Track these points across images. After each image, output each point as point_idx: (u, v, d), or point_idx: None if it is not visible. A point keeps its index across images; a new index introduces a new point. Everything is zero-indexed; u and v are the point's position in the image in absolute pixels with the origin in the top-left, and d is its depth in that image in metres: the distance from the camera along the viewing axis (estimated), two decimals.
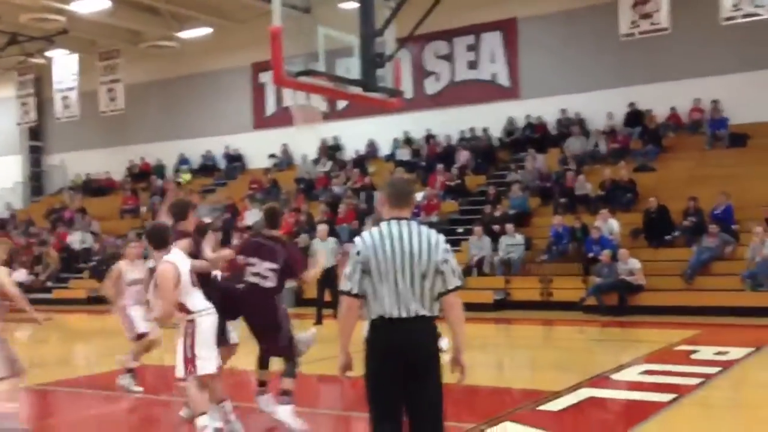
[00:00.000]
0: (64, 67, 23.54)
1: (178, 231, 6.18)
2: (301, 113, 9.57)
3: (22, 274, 21.04)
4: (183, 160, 25.09)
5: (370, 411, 4.02)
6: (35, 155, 28.30)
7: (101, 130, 25.26)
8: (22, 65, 24.89)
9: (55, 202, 25.78)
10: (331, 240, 14.01)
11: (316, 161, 22.26)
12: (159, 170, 25.15)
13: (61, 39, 22.55)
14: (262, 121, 23.99)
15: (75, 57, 23.37)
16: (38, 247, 22.47)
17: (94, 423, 7.53)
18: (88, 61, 23.13)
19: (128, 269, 8.50)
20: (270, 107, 23.88)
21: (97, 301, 19.16)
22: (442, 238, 4.10)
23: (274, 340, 6.40)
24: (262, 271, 6.35)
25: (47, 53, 23.69)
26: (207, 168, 24.69)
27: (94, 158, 26.17)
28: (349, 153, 22.13)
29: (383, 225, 4.05)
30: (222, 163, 24.64)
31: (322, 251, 10.61)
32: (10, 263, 13.23)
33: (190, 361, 5.68)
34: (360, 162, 21.32)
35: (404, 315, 3.89)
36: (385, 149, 21.83)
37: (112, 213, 23.86)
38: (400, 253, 3.90)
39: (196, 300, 5.78)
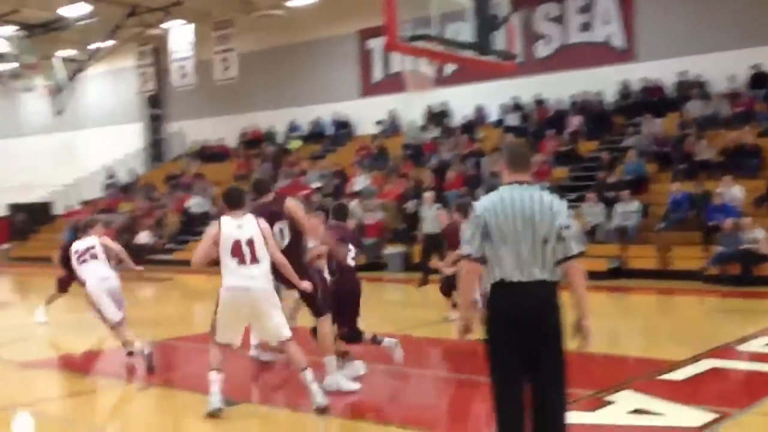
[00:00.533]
0: (181, 37, 24.34)
1: (261, 205, 6.37)
2: (412, 79, 9.57)
3: (145, 236, 22.13)
4: (293, 127, 25.58)
5: (490, 374, 4.00)
6: (155, 123, 29.45)
7: (215, 98, 26.01)
8: (141, 36, 25.85)
9: (174, 168, 26.83)
10: (437, 206, 14.02)
11: (423, 127, 22.23)
12: (270, 137, 25.74)
13: (177, 10, 23.31)
14: (369, 88, 24.13)
15: (191, 27, 24.10)
16: (159, 210, 23.50)
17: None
18: (202, 32, 23.80)
19: None
20: (377, 74, 23.97)
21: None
22: (564, 203, 4.04)
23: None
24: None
25: (164, 24, 24.53)
26: (316, 135, 25.08)
27: (209, 126, 27.03)
28: (456, 119, 21.97)
29: (503, 189, 4.01)
30: (330, 130, 24.97)
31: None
32: (133, 226, 14.00)
33: None
34: (468, 128, 21.14)
35: (525, 279, 3.85)
36: (493, 115, 21.56)
37: (227, 178, 24.61)
38: (521, 216, 3.87)
39: None
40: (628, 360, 8.32)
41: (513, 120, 20.62)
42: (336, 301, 6.77)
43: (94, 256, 8.02)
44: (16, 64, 26.00)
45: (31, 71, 26.51)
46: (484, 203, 3.98)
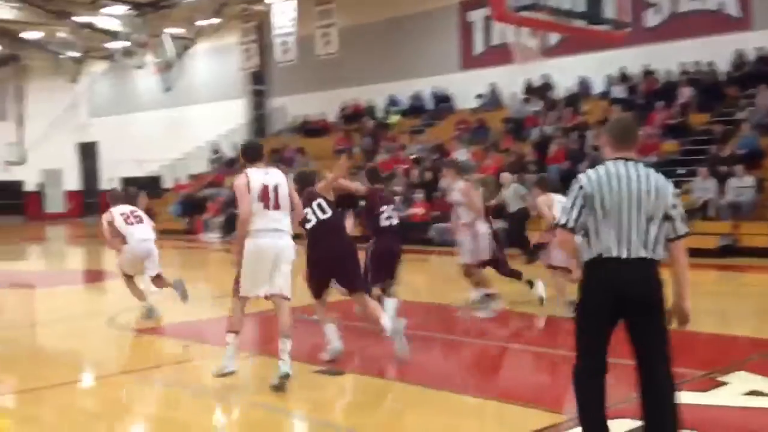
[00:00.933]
0: (283, 13, 24.67)
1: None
2: (519, 50, 9.40)
3: None
4: (392, 102, 25.62)
5: (577, 345, 3.98)
6: (258, 99, 30.09)
7: (316, 73, 26.30)
8: (245, 13, 26.37)
9: (276, 143, 27.37)
10: (515, 185, 14.40)
11: (525, 100, 21.84)
12: (370, 112, 25.88)
13: None
14: (469, 61, 23.87)
15: (293, 3, 24.38)
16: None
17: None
18: (304, 7, 24.05)
19: None
20: (478, 46, 23.68)
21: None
22: (671, 183, 3.97)
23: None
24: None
25: (267, 0, 24.92)
26: (415, 109, 25.05)
27: (310, 101, 27.40)
28: (559, 91, 21.47)
29: (609, 164, 3.92)
30: (430, 104, 24.88)
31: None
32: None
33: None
34: (571, 100, 20.64)
35: (625, 255, 3.78)
36: (597, 87, 20.96)
37: (327, 153, 24.94)
38: (627, 192, 3.81)
39: None
40: (741, 340, 8.00)
41: (619, 92, 19.97)
42: (374, 259, 7.76)
43: (140, 220, 9.36)
44: (128, 43, 27.04)
45: (142, 49, 27.52)
46: (590, 176, 3.91)
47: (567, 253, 4.14)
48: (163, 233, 12.38)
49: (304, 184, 6.96)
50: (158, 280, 9.52)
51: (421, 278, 13.49)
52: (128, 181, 32.00)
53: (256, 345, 8.00)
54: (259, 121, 30.19)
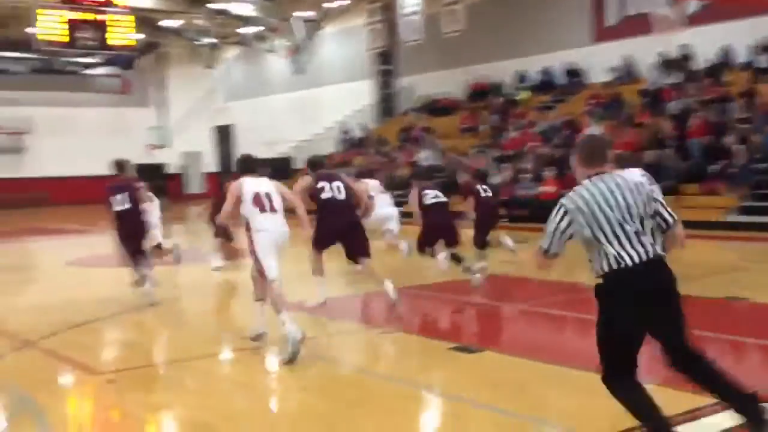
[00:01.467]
0: None
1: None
2: (659, 20, 8.95)
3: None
4: (521, 78, 25.15)
5: (608, 358, 3.99)
6: (385, 78, 30.27)
7: (443, 52, 26.18)
8: None
9: (404, 123, 27.50)
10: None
11: (662, 72, 20.86)
12: (497, 89, 25.52)
13: None
14: (602, 33, 23.04)
15: None
16: (389, 164, 24.24)
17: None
18: None
19: None
20: (611, 18, 22.81)
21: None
22: (646, 176, 4.56)
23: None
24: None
25: None
26: (545, 84, 24.49)
27: (437, 79, 27.31)
28: (699, 62, 20.38)
29: (588, 183, 3.95)
30: (560, 79, 24.25)
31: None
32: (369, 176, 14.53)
33: None
34: (713, 71, 19.54)
35: (638, 260, 3.82)
36: (741, 56, 19.74)
37: (454, 132, 24.85)
38: (616, 203, 3.87)
39: None
40: None
41: (765, 61, 18.75)
42: (425, 232, 10.03)
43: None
44: (260, 28, 27.84)
45: (274, 33, 28.27)
46: (573, 198, 3.95)
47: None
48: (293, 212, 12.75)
49: (316, 167, 8.60)
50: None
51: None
52: (261, 163, 33.12)
53: (390, 322, 8.08)
54: (386, 100, 30.40)
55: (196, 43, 31.06)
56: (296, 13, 28.48)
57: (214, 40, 30.96)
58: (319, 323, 8.16)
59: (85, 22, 23.73)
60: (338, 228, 8.22)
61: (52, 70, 32.62)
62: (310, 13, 28.83)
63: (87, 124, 35.30)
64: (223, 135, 37.75)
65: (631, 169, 6.11)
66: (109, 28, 24.18)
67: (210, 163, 38.33)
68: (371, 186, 12.55)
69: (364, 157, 25.66)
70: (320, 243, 8.38)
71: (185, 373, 6.41)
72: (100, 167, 25.59)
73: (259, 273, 6.82)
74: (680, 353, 4.00)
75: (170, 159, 37.45)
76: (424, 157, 23.47)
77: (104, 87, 35.43)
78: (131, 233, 9.41)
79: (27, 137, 32.13)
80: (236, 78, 36.08)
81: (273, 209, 6.85)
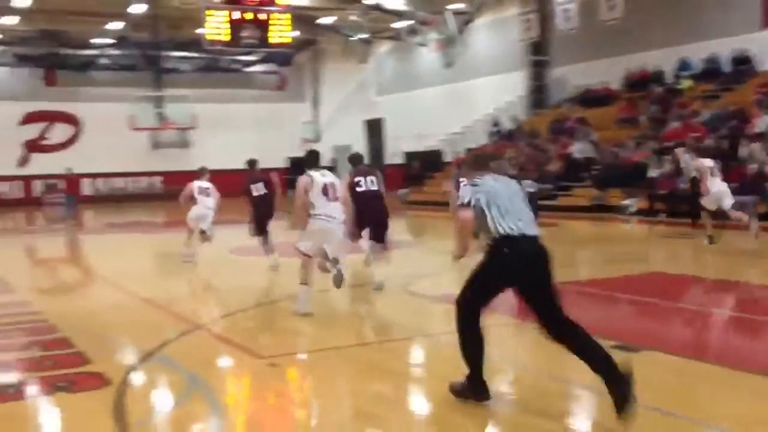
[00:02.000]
0: None
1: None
2: None
3: (529, 184, 22.56)
4: (683, 66, 23.90)
5: (473, 295, 4.97)
6: (537, 69, 29.65)
7: (599, 40, 25.34)
8: None
9: (556, 114, 26.88)
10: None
11: None
12: (657, 77, 24.40)
13: None
14: None
15: None
16: (542, 156, 23.77)
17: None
18: None
19: None
20: None
21: (601, 209, 19.71)
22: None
23: None
24: None
25: None
26: (710, 72, 23.15)
27: (592, 69, 26.46)
28: None
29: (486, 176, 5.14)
30: (727, 67, 22.84)
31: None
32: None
33: None
34: None
35: (524, 231, 4.87)
36: None
37: (609, 123, 24.00)
38: (508, 189, 5.11)
39: None
40: None
41: None
42: None
43: (208, 194, 13.29)
44: (412, 21, 28.07)
45: (426, 27, 28.41)
46: (485, 182, 5.10)
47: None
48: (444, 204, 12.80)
49: (356, 162, 10.17)
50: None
51: (710, 255, 12.51)
52: (410, 156, 33.44)
53: None
54: (538, 92, 29.79)
55: (350, 38, 31.73)
56: (449, 6, 28.47)
57: (367, 36, 31.51)
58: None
59: (247, 21, 24.83)
60: (370, 216, 9.60)
61: (216, 68, 34.40)
62: (461, 6, 28.74)
63: (246, 120, 36.95)
64: (374, 128, 38.40)
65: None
66: (269, 27, 25.17)
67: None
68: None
69: (514, 149, 25.29)
70: (358, 228, 9.62)
71: (344, 361, 6.57)
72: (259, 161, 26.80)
73: (303, 254, 8.17)
74: (555, 323, 4.78)
75: (323, 153, 38.55)
76: (578, 149, 22.84)
77: (263, 83, 36.93)
78: (264, 214, 12.04)
79: (193, 132, 34.06)
80: (387, 72, 36.56)
81: (335, 198, 8.19)
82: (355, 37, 31.63)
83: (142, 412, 5.30)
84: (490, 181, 5.08)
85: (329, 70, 36.60)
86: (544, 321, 4.82)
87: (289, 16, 25.59)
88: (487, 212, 4.89)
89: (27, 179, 33.34)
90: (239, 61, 34.59)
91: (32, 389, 5.82)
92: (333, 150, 38.61)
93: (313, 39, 34.37)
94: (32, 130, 34.35)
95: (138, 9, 27.00)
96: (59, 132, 34.90)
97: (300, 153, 36.72)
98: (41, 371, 6.31)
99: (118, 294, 10.63)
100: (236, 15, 24.60)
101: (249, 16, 24.83)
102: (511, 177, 5.51)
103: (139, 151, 33.59)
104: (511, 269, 4.84)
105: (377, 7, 28.08)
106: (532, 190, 21.96)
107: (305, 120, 37.15)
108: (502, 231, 4.82)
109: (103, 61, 32.48)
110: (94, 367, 6.39)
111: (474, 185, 5.06)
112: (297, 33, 28.82)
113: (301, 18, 28.89)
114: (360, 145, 38.80)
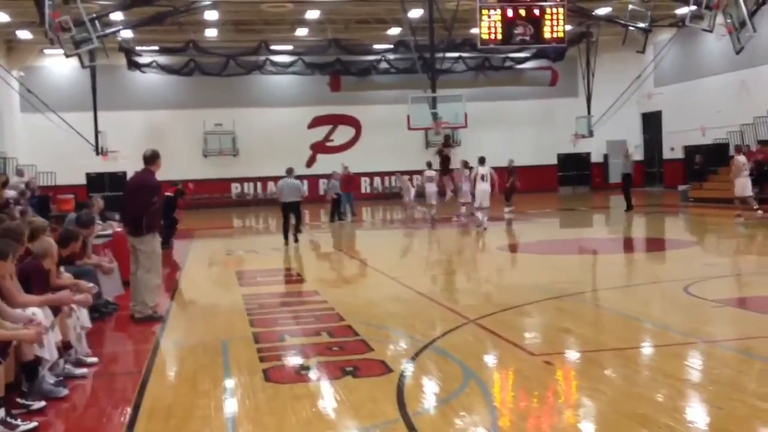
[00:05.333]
0: None
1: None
2: None
3: None
4: None
5: None
6: None
7: None
8: None
9: None
10: None
11: None
12: None
13: None
14: None
15: None
16: None
17: None
18: None
19: None
20: None
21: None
22: None
23: None
24: None
25: None
26: None
27: None
28: None
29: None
30: None
31: None
32: None
33: None
34: None
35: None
36: None
37: None
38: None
39: None
40: None
41: None
42: None
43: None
44: (695, 7, 26.24)
45: (712, 11, 26.40)
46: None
47: None
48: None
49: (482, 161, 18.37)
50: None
51: None
52: (690, 150, 31.29)
53: None
54: None
55: (628, 28, 30.38)
56: None
57: (646, 24, 29.96)
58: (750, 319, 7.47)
59: (520, 18, 24.82)
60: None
61: (488, 66, 34.76)
62: None
63: (516, 117, 36.94)
64: (650, 122, 36.47)
65: None
66: (543, 22, 24.95)
67: (636, 151, 37.39)
68: None
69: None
70: None
71: (619, 363, 6.34)
72: (528, 158, 26.63)
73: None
74: None
75: (593, 148, 37.40)
76: None
77: (534, 80, 36.64)
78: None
79: (462, 131, 34.73)
80: (666, 61, 34.52)
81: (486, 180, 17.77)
82: (634, 27, 30.21)
83: (421, 401, 5.54)
84: None
85: (603, 63, 35.39)
86: None
87: (563, 9, 25.15)
88: None
89: (313, 179, 36.24)
90: (511, 59, 34.65)
91: (323, 372, 6.32)
92: (607, 146, 37.31)
93: (588, 31, 33.42)
94: (318, 133, 37.25)
95: (415, 14, 28.11)
96: (341, 134, 37.48)
97: (571, 149, 36.19)
98: (330, 356, 6.83)
99: (395, 286, 11.18)
100: (510, 13, 24.69)
101: (522, 12, 24.79)
102: None
103: (413, 150, 34.99)
104: None
105: None
106: None
107: (578, 115, 36.27)
108: None
109: (383, 65, 34.25)
110: (376, 354, 6.79)
111: None
112: (570, 26, 28.20)
113: (576, 10, 28.23)
114: (635, 139, 37.12)
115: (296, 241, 17.78)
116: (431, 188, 22.41)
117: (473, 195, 19.54)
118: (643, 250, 16.12)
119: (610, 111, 34.49)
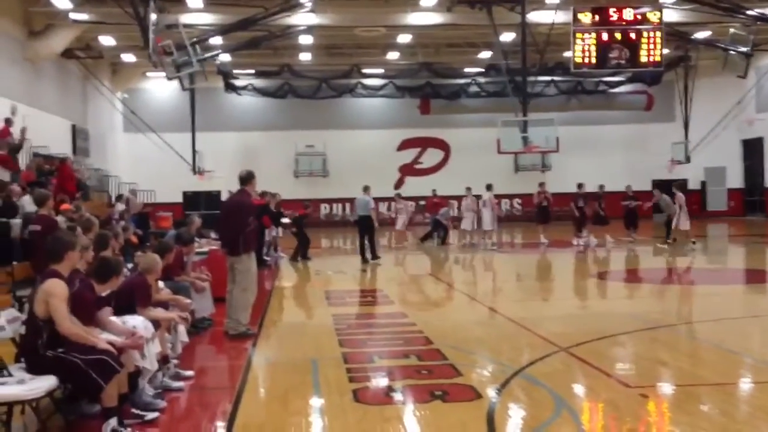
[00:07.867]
0: None
1: None
2: None
3: None
4: None
5: None
6: None
7: None
8: None
9: None
10: None
11: None
12: None
13: None
14: None
15: None
16: None
17: None
18: None
19: None
20: None
21: None
22: None
23: None
24: None
25: None
26: None
27: None
28: None
29: None
30: None
31: None
32: None
33: None
34: None
35: None
36: None
37: None
38: None
39: None
40: None
41: None
42: None
43: None
44: None
45: None
46: None
47: None
48: None
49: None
50: None
51: None
52: None
53: None
54: None
55: (729, 52, 29.40)
56: None
57: (748, 48, 28.93)
58: None
59: (616, 41, 24.37)
60: None
61: (581, 90, 34.21)
62: None
63: (609, 141, 36.19)
64: (751, 149, 35.12)
65: None
66: (639, 46, 24.43)
67: (735, 178, 36.05)
68: None
69: None
70: None
71: (719, 398, 6.11)
72: (621, 183, 26.04)
73: None
74: None
75: (690, 175, 36.24)
76: None
77: (629, 104, 35.84)
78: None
79: (553, 156, 34.24)
80: None
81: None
82: (735, 51, 29.24)
83: (512, 428, 5.47)
84: None
85: (702, 87, 34.36)
86: None
87: (661, 33, 24.59)
88: None
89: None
90: (605, 83, 34.02)
91: (412, 395, 6.32)
92: (704, 172, 36.10)
93: (686, 55, 32.53)
94: (407, 155, 37.44)
95: (507, 37, 28.00)
96: (430, 156, 37.55)
97: (667, 175, 35.14)
98: (419, 379, 6.83)
99: (484, 311, 11.08)
100: (605, 36, 24.30)
101: (618, 36, 24.36)
102: None
103: (502, 174, 34.71)
104: None
105: (763, 17, 25.68)
106: None
107: (674, 141, 35.27)
108: None
109: (473, 88, 34.20)
110: (465, 379, 6.75)
111: None
112: (667, 50, 27.53)
113: (673, 34, 27.55)
114: (735, 166, 35.82)
115: (374, 258, 17.94)
116: (487, 213, 22.46)
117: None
118: (742, 281, 15.50)
119: (708, 137, 33.42)
